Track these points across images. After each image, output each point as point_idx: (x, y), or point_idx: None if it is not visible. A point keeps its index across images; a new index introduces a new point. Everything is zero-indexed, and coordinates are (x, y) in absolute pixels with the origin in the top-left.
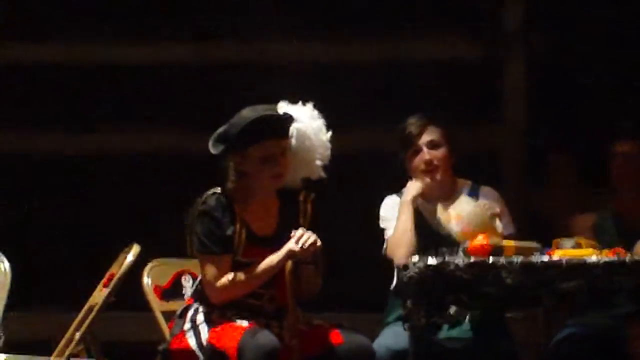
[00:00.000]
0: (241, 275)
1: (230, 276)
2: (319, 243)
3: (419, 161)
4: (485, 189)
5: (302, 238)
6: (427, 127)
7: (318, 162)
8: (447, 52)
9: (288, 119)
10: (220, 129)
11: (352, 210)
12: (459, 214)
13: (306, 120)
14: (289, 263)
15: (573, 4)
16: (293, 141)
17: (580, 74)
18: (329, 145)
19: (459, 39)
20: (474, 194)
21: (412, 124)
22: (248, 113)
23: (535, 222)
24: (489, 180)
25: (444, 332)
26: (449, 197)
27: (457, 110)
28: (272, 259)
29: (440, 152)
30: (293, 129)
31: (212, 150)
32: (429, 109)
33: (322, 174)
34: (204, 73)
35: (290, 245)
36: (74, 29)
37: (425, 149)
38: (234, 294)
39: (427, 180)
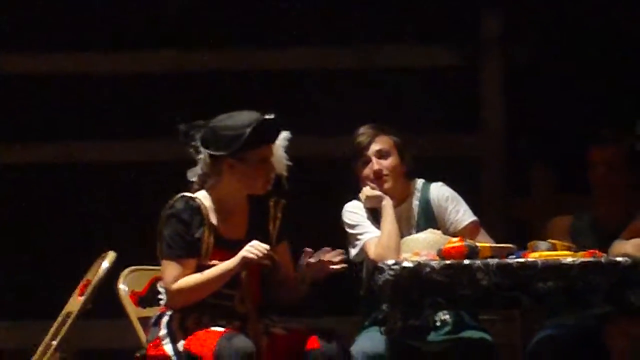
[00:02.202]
0: (196, 277)
1: (186, 279)
2: (268, 249)
3: (368, 171)
4: (435, 186)
5: (255, 247)
6: (376, 137)
7: (282, 170)
8: (426, 59)
9: (280, 125)
10: (207, 134)
11: (323, 214)
12: (414, 251)
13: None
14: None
15: (551, 13)
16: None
17: (559, 82)
18: (286, 162)
19: (438, 46)
20: (425, 194)
21: (362, 134)
22: (244, 117)
23: (514, 229)
24: (468, 187)
25: (432, 336)
26: (402, 202)
27: (436, 117)
28: (227, 263)
29: (389, 162)
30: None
31: (209, 153)
32: (407, 116)
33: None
34: (180, 81)
35: (243, 252)
36: (41, 38)
37: (374, 159)
38: (189, 296)
39: (377, 191)
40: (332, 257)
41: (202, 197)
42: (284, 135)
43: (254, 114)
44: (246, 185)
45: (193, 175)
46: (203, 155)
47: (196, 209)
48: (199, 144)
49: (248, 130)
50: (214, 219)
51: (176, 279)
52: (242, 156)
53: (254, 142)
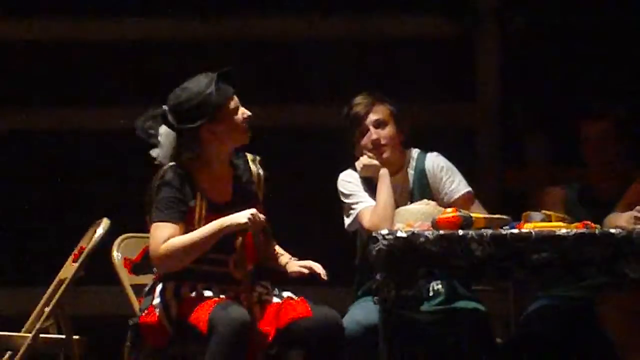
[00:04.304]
0: (184, 237)
1: (174, 239)
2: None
3: (366, 141)
4: (431, 156)
5: (255, 215)
6: (373, 107)
7: None
8: (422, 29)
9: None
10: (173, 114)
11: (312, 185)
12: (408, 222)
13: None
14: (240, 239)
15: None
16: None
17: (554, 52)
18: None
19: (435, 16)
20: (420, 163)
21: (359, 103)
22: (201, 82)
23: (509, 200)
24: (463, 157)
25: (425, 306)
26: (398, 172)
27: (432, 87)
28: (215, 223)
29: (386, 131)
30: None
31: (189, 126)
32: (403, 86)
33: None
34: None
35: (241, 216)
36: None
37: (372, 129)
38: (177, 257)
39: (375, 161)
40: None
41: (190, 165)
42: None
43: (207, 75)
44: (230, 140)
45: (159, 155)
46: (179, 132)
47: (185, 176)
48: (162, 130)
49: (211, 90)
50: (203, 185)
51: (165, 241)
52: (217, 117)
53: (221, 99)
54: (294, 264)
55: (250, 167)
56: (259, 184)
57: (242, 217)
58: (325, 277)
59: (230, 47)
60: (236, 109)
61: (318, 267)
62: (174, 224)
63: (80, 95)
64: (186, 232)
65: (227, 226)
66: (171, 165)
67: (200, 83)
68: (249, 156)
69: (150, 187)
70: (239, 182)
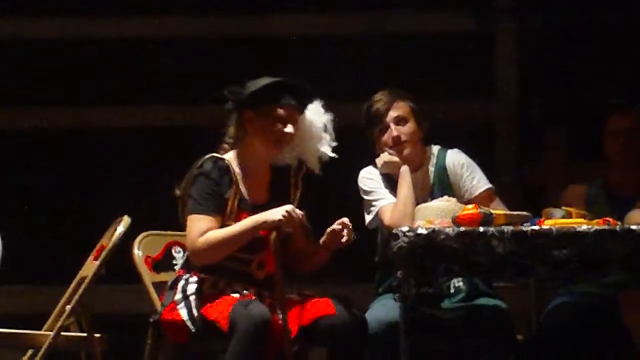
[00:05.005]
0: (224, 230)
1: (213, 232)
2: (302, 216)
3: (387, 138)
4: (452, 153)
5: (292, 211)
6: (393, 104)
7: (316, 154)
8: (440, 25)
9: (308, 95)
10: (235, 91)
11: (334, 182)
12: (429, 219)
13: (315, 113)
14: (274, 234)
15: None
16: (303, 121)
17: (571, 49)
18: (330, 142)
19: (452, 12)
20: (441, 160)
21: (379, 100)
22: (271, 78)
23: (528, 196)
24: (481, 153)
25: (446, 303)
26: (419, 169)
27: (450, 84)
28: (255, 218)
29: (407, 128)
30: (308, 110)
31: (228, 104)
32: (421, 83)
33: (317, 168)
34: (197, 47)
35: (278, 213)
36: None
37: (392, 126)
38: (216, 250)
39: (396, 157)
40: (340, 230)
41: (230, 158)
42: (317, 109)
43: (284, 80)
44: (261, 141)
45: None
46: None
47: (225, 169)
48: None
49: (269, 82)
50: (240, 181)
51: (203, 234)
52: (258, 109)
53: (269, 97)
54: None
55: (290, 177)
56: (295, 195)
57: (277, 213)
58: (353, 237)
59: (250, 45)
60: (281, 119)
61: (346, 222)
62: (212, 216)
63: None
64: (221, 225)
65: (263, 222)
66: (211, 156)
67: (270, 79)
68: (293, 167)
69: (185, 178)
70: (276, 187)
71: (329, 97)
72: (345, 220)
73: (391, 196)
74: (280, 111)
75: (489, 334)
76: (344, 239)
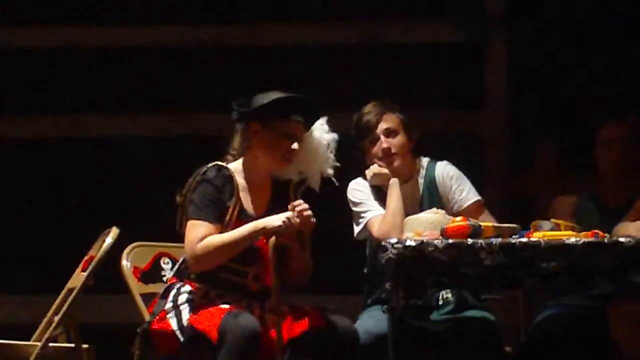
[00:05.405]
0: (224, 236)
1: (212, 237)
2: (313, 219)
3: (377, 149)
4: (441, 165)
5: (298, 207)
6: (383, 115)
7: (319, 173)
8: (431, 36)
9: (317, 113)
10: (243, 101)
11: (323, 193)
12: (417, 230)
13: (321, 131)
14: (272, 239)
15: None
16: (309, 138)
17: (563, 59)
18: (332, 162)
19: (444, 23)
20: (430, 172)
21: (369, 112)
22: (279, 92)
23: (517, 207)
24: (472, 164)
25: (434, 315)
26: (408, 180)
27: (441, 94)
28: (256, 223)
29: (397, 140)
30: (314, 128)
31: (234, 114)
32: (412, 93)
33: (317, 186)
34: (192, 56)
35: (281, 218)
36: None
37: (382, 138)
38: (214, 256)
39: (385, 169)
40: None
41: (233, 168)
42: (322, 127)
43: (290, 93)
44: (265, 155)
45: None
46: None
47: (228, 178)
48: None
49: (279, 97)
50: (242, 191)
51: (202, 240)
52: (266, 122)
53: (277, 112)
54: None
55: (289, 192)
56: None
57: (277, 219)
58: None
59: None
60: (288, 135)
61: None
62: (211, 223)
63: (86, 102)
64: (220, 232)
65: (262, 228)
66: (215, 164)
67: (278, 93)
68: (293, 183)
69: (187, 184)
70: (276, 201)
71: (321, 106)
72: (294, 203)
73: (380, 208)
74: (288, 127)
75: (477, 346)
76: (312, 218)
